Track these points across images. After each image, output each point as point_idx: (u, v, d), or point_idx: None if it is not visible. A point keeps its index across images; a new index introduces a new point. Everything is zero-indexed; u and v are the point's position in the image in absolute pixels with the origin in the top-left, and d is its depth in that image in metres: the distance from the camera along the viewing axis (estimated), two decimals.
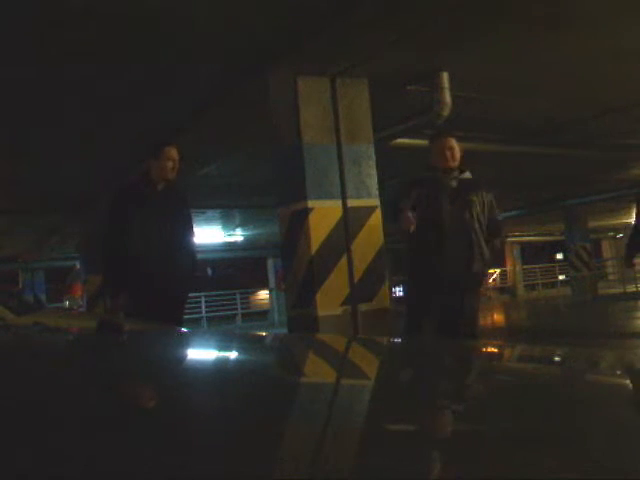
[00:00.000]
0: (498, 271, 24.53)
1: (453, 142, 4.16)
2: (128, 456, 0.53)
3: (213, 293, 20.16)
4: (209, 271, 28.40)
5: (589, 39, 4.86)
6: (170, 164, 4.07)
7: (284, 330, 8.30)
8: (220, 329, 16.52)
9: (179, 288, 4.18)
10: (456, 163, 4.14)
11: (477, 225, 4.04)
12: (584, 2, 4.36)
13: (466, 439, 0.58)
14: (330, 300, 4.72)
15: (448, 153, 4.12)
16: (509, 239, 22.74)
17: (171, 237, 4.06)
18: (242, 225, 15.80)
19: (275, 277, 20.92)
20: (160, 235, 4.02)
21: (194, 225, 4.38)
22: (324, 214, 4.79)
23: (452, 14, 4.18)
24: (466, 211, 4.03)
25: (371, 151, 5.09)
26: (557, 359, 1.14)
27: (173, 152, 4.11)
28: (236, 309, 20.41)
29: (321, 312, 4.67)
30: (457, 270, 4.01)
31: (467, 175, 4.20)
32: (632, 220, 6.51)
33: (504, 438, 0.57)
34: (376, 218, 4.96)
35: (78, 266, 14.60)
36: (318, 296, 4.69)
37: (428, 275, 4.12)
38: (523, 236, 23.08)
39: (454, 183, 4.11)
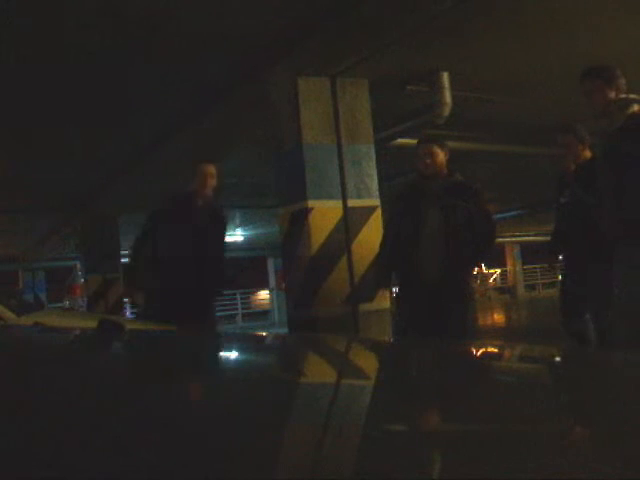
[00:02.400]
0: (498, 271, 24.52)
1: (432, 148, 4.08)
2: (128, 456, 0.54)
3: None
4: None
5: (589, 40, 4.87)
6: (206, 180, 4.27)
7: (284, 330, 8.30)
8: (220, 329, 16.52)
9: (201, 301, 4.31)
10: (435, 170, 4.06)
11: (457, 230, 3.92)
12: (584, 4, 4.36)
13: (466, 439, 0.58)
14: (330, 300, 4.72)
15: (425, 161, 4.07)
16: (509, 239, 22.74)
17: (201, 252, 4.22)
18: (242, 225, 15.81)
19: (275, 277, 20.89)
20: (191, 249, 4.20)
21: (219, 240, 4.54)
22: (324, 214, 4.79)
23: (452, 14, 4.18)
24: (445, 216, 3.94)
25: (371, 151, 5.09)
26: (557, 359, 1.14)
27: (209, 168, 4.30)
28: (236, 309, 20.41)
29: (321, 312, 4.67)
30: (430, 275, 3.95)
31: (457, 177, 4.13)
32: None
33: (504, 438, 0.57)
34: (376, 218, 4.96)
35: (78, 266, 14.62)
36: (318, 296, 4.69)
37: (407, 279, 4.13)
38: (523, 236, 23.06)
39: (440, 188, 4.04)
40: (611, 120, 3.15)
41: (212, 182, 4.30)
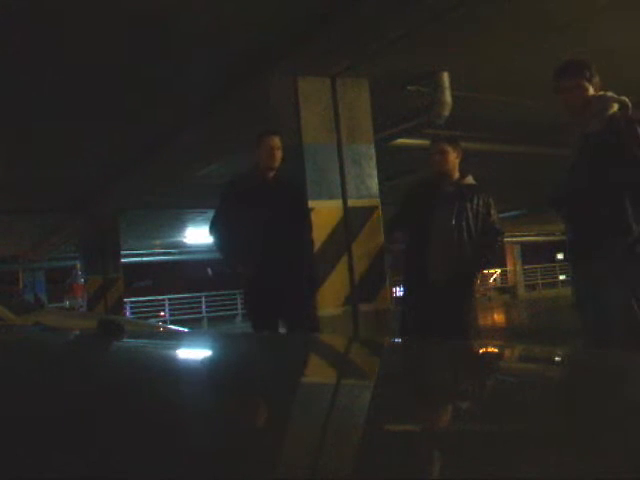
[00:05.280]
0: (499, 271, 24.52)
1: (443, 147, 4.02)
2: (129, 457, 0.54)
3: (213, 293, 20.22)
4: (209, 271, 28.44)
5: (588, 40, 4.87)
6: (271, 152, 4.17)
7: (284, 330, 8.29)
8: (220, 329, 16.53)
9: (288, 280, 4.05)
10: (447, 168, 4.00)
11: (465, 232, 3.92)
12: (582, 3, 4.37)
13: (466, 439, 0.58)
14: (330, 300, 4.72)
15: (436, 158, 4.02)
16: (509, 239, 22.74)
17: (277, 225, 4.04)
18: None
19: None
20: (266, 224, 4.02)
21: (299, 214, 4.27)
22: (324, 214, 4.79)
23: (452, 14, 4.18)
24: (454, 218, 3.92)
25: (371, 151, 5.09)
26: (557, 359, 1.14)
27: (273, 140, 4.18)
28: (236, 309, 20.42)
29: (321, 312, 4.66)
30: (440, 275, 3.94)
31: (468, 180, 4.10)
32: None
33: (504, 438, 0.57)
34: (376, 218, 4.96)
35: (78, 266, 14.65)
36: (318, 296, 4.69)
37: (414, 279, 4.10)
38: (523, 236, 23.07)
39: (450, 189, 4.01)
40: (593, 121, 2.92)
41: (279, 154, 4.20)
